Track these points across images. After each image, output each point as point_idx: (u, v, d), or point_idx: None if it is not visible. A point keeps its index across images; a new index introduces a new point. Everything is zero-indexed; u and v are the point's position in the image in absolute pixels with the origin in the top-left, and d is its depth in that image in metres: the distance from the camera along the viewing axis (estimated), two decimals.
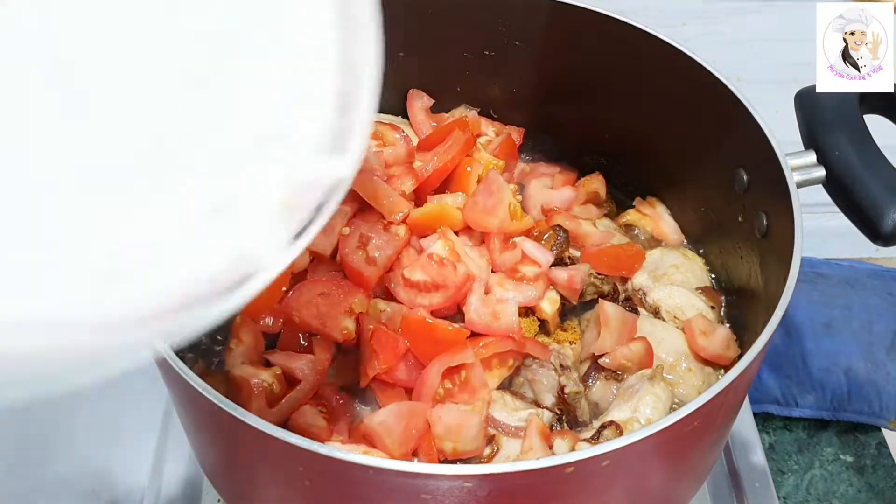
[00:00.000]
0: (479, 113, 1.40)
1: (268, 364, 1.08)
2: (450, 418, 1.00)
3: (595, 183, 1.35)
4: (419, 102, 1.39)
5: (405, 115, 1.40)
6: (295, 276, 1.14)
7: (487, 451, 1.03)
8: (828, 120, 1.04)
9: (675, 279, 1.23)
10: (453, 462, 1.02)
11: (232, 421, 0.80)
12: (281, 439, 0.78)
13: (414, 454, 1.01)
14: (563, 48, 1.27)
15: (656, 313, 1.20)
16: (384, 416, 0.98)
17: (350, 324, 1.08)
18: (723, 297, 1.24)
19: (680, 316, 1.19)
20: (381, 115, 1.39)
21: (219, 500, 1.24)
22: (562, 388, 1.08)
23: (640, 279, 1.24)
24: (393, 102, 1.40)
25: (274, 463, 0.86)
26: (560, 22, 1.24)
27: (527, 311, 1.16)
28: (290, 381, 1.06)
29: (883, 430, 1.46)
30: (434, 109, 1.40)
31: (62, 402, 1.38)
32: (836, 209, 1.02)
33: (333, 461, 0.77)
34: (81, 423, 1.37)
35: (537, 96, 1.37)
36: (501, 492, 0.79)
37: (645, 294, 1.22)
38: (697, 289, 1.23)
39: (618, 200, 1.39)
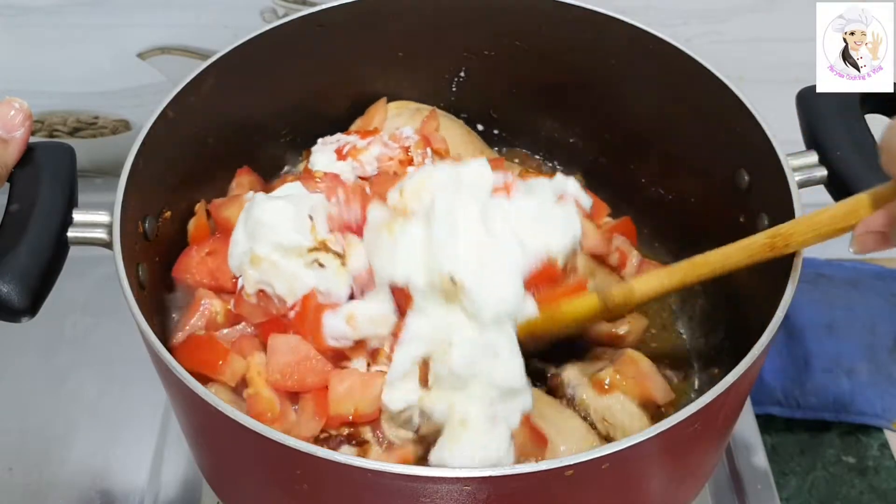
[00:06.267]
0: (478, 112, 1.39)
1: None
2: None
3: None
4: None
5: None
6: None
7: None
8: (829, 120, 1.03)
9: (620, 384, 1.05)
10: (355, 426, 0.98)
11: (229, 424, 0.80)
12: (278, 442, 0.78)
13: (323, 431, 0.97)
14: (563, 48, 1.27)
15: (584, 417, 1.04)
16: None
17: None
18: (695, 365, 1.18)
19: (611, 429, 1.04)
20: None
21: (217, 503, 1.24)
22: None
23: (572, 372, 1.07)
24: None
25: (272, 466, 0.86)
26: (561, 21, 1.24)
27: None
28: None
29: (885, 431, 1.45)
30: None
31: (61, 403, 1.39)
32: None
33: (332, 464, 0.77)
34: (80, 425, 1.37)
35: (537, 96, 1.36)
36: (501, 495, 0.79)
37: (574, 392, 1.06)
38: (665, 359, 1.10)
39: (617, 201, 1.38)
